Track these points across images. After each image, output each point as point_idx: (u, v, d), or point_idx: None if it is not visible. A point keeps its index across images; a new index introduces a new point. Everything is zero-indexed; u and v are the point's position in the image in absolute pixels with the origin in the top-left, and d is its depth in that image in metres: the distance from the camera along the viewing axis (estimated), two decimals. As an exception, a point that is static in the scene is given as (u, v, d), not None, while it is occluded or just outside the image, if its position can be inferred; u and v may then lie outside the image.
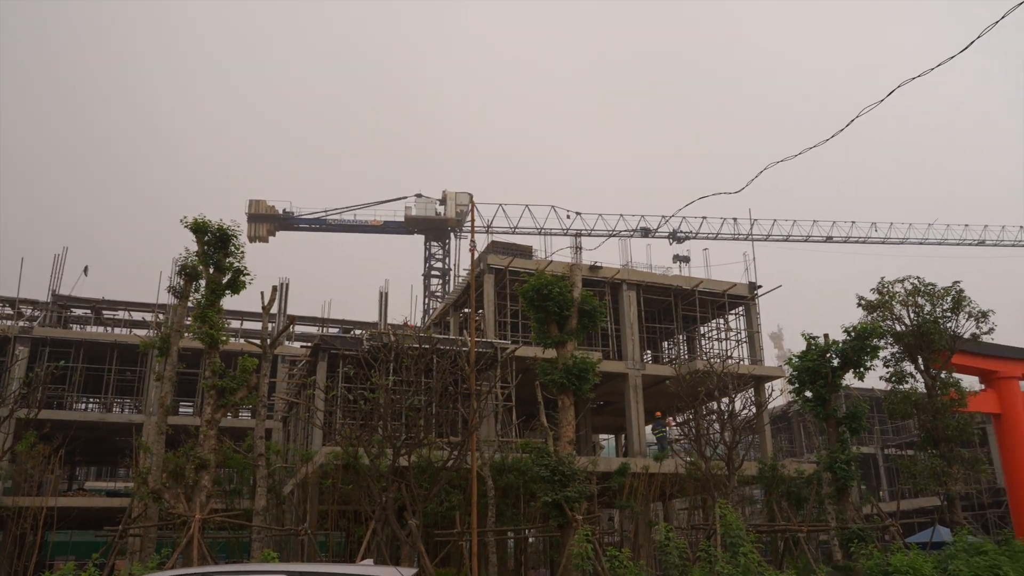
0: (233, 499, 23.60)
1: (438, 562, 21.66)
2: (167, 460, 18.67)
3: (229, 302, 20.59)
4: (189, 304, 20.90)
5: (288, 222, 63.92)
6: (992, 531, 34.93)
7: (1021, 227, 67.20)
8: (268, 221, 63.41)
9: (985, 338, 26.97)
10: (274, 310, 42.70)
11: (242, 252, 19.32)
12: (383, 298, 43.54)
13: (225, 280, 19.38)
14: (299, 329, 49.27)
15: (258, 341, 20.62)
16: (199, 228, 18.98)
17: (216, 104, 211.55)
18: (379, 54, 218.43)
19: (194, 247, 19.50)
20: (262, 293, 20.42)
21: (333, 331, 43.02)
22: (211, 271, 19.38)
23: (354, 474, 19.40)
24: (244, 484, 23.84)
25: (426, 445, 18.62)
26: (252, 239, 62.93)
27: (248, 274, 19.44)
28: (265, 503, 19.53)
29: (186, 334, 21.31)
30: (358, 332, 37.04)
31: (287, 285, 43.10)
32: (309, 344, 31.63)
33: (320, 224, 64.55)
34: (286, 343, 45.20)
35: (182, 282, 19.99)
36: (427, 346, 19.44)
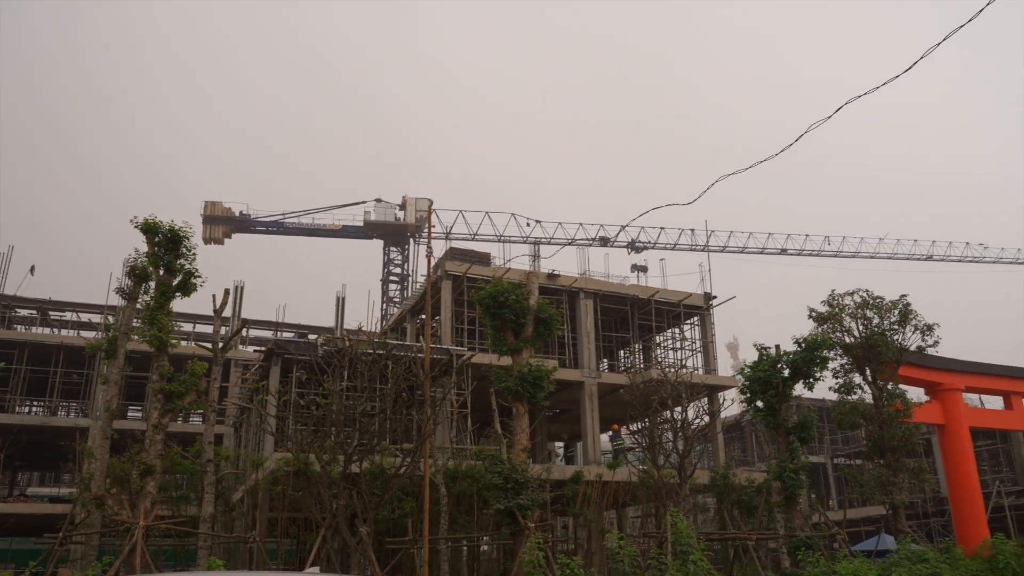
0: (180, 506, 23.09)
1: (389, 570, 21.47)
2: (112, 465, 18.22)
3: (181, 305, 20.21)
4: (138, 306, 20.45)
5: (245, 224, 63.02)
6: (935, 539, 35.81)
7: (967, 243, 69.28)
8: (224, 223, 62.43)
9: (930, 351, 27.69)
10: (227, 313, 42.00)
11: (194, 254, 18.97)
12: (340, 303, 43.17)
13: (176, 282, 19.00)
14: (254, 333, 48.55)
15: (209, 345, 20.26)
16: (149, 228, 18.60)
17: (176, 104, 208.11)
18: (342, 59, 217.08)
19: (144, 248, 19.10)
20: (214, 296, 20.09)
21: (288, 335, 42.47)
22: (161, 273, 18.99)
23: (305, 481, 19.16)
24: (192, 490, 23.35)
25: (379, 452, 18.45)
26: (207, 241, 61.93)
27: (199, 276, 19.10)
28: (213, 510, 19.17)
29: (134, 337, 20.83)
30: (313, 337, 36.60)
31: (242, 288, 42.50)
32: (263, 348, 31.18)
33: (278, 227, 63.75)
34: (240, 347, 44.50)
35: (131, 283, 19.55)
36: (382, 352, 19.29)
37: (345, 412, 17.13)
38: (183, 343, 43.23)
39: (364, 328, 21.58)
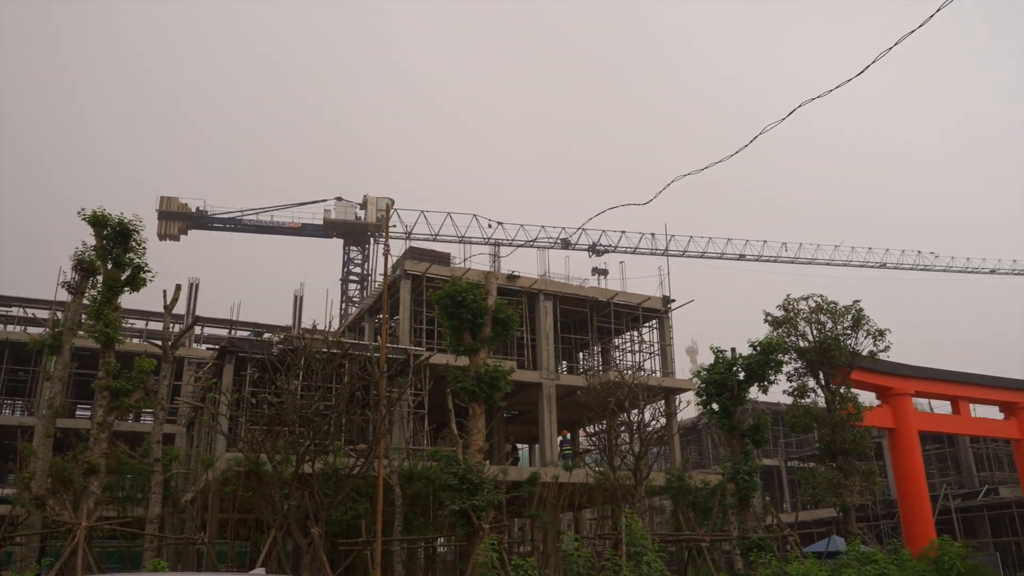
0: (126, 507, 22.54)
1: (342, 572, 21.19)
2: (54, 464, 17.69)
3: (133, 301, 19.80)
4: (85, 301, 19.90)
5: (201, 221, 61.95)
6: (884, 541, 36.46)
7: (919, 252, 70.96)
8: (180, 219, 61.32)
9: (882, 356, 28.19)
10: (181, 310, 41.25)
11: (144, 248, 18.51)
12: (298, 302, 42.54)
13: (124, 276, 18.51)
14: (208, 332, 47.67)
15: (160, 342, 19.79)
16: (98, 221, 18.10)
17: (132, 98, 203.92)
18: (304, 57, 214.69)
19: (93, 241, 18.58)
20: (164, 292, 19.65)
21: (243, 334, 41.74)
22: (109, 267, 18.48)
23: (257, 481, 18.80)
24: (139, 491, 22.80)
25: (332, 452, 18.19)
26: (163, 237, 60.80)
27: (149, 271, 18.63)
28: (160, 511, 18.74)
29: (80, 332, 20.26)
30: (269, 336, 36.04)
31: (197, 286, 41.63)
32: (217, 347, 30.62)
33: (235, 224, 62.78)
34: (194, 346, 43.67)
35: (78, 278, 19.00)
36: (337, 351, 19.03)
37: (298, 411, 16.84)
38: (134, 340, 42.28)
39: (319, 327, 21.25)
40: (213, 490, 22.68)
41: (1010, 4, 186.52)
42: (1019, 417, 36.11)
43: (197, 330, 46.07)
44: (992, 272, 74.22)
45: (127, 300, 18.71)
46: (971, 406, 36.22)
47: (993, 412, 37.71)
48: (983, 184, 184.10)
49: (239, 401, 21.74)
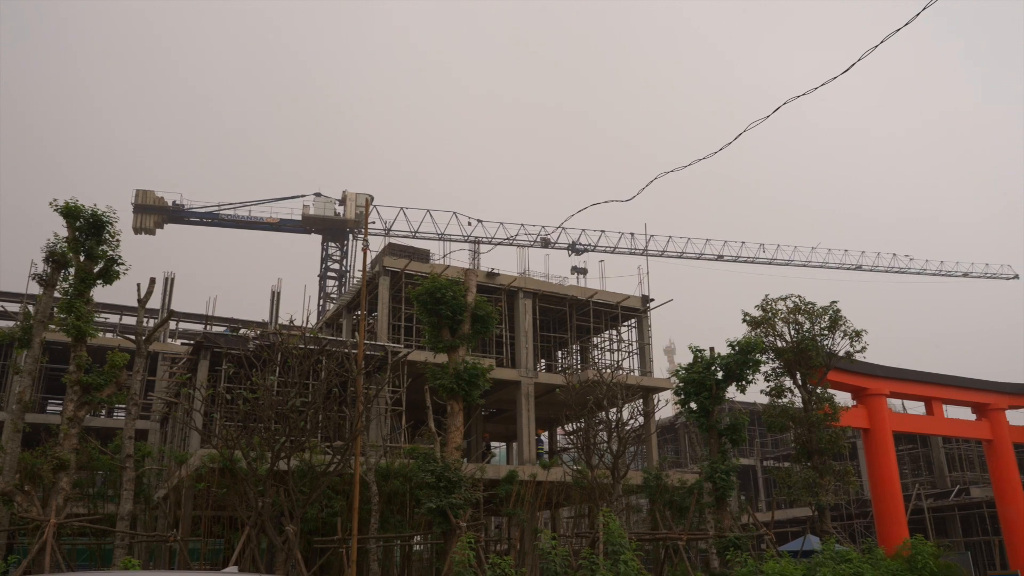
0: (97, 503, 22.15)
1: (317, 570, 20.99)
2: (23, 460, 17.32)
3: (107, 295, 19.53)
4: (57, 294, 19.51)
5: (178, 215, 61.29)
6: (858, 540, 36.78)
7: (894, 255, 71.69)
8: (156, 212, 60.61)
9: (858, 357, 28.35)
10: (156, 305, 40.78)
11: (117, 240, 18.18)
12: (275, 297, 42.23)
13: (97, 269, 18.17)
14: (184, 327, 47.17)
15: (134, 336, 19.45)
16: (70, 212, 17.74)
17: (107, 90, 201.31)
18: (286, 53, 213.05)
19: (65, 233, 18.21)
20: (139, 285, 19.31)
21: (219, 329, 41.32)
22: (82, 259, 18.13)
23: (231, 478, 18.56)
24: (111, 487, 22.42)
25: (308, 449, 17.98)
26: (138, 231, 60.10)
27: (123, 263, 18.30)
28: (132, 508, 18.42)
29: (52, 326, 19.86)
30: (245, 331, 35.67)
31: (172, 280, 41.20)
32: (192, 342, 30.23)
33: (212, 218, 62.15)
34: (168, 341, 43.14)
35: (49, 270, 18.61)
36: (314, 347, 18.82)
37: (274, 407, 16.62)
38: (107, 335, 41.66)
39: (296, 323, 21.00)
40: (186, 487, 22.39)
41: (988, 7, 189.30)
42: (991, 418, 36.53)
43: (172, 325, 45.58)
44: (965, 275, 75.19)
45: (100, 293, 18.43)
46: (944, 407, 36.59)
47: (965, 413, 38.14)
48: (960, 186, 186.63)
49: (214, 397, 21.44)
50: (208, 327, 40.16)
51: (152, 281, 19.62)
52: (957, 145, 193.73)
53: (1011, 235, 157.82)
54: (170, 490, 24.43)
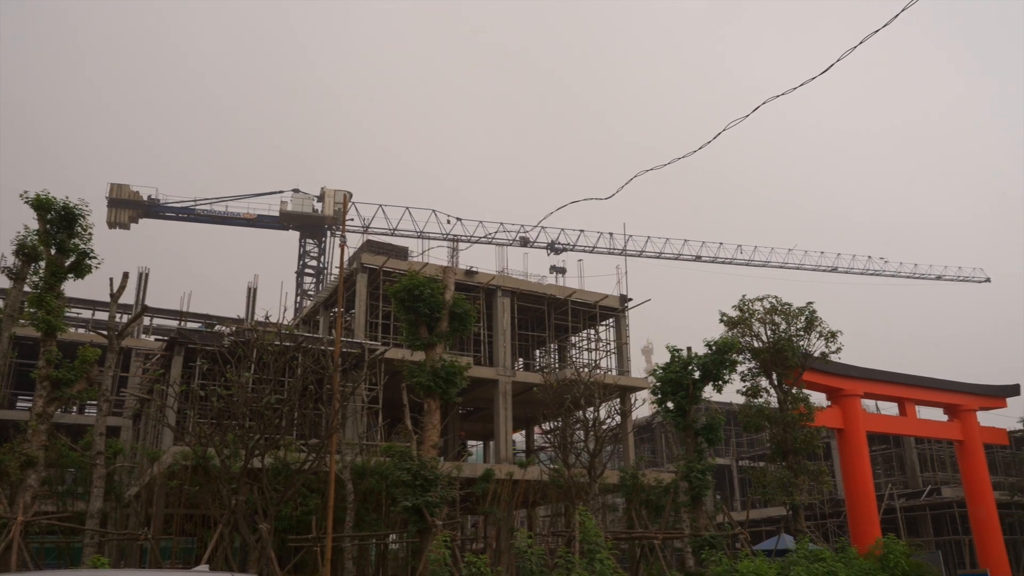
0: (66, 501, 21.80)
1: (291, 568, 20.81)
2: (-11, 457, 16.99)
3: (80, 290, 19.16)
4: (27, 288, 19.17)
5: (153, 209, 60.50)
6: (831, 539, 37.11)
7: (869, 257, 72.46)
8: (131, 207, 59.79)
9: (833, 357, 28.59)
10: (130, 300, 40.28)
11: (89, 234, 17.89)
12: (251, 294, 41.85)
13: (68, 263, 17.87)
14: (159, 323, 46.62)
15: (107, 332, 19.15)
16: (42, 205, 17.43)
17: (82, 84, 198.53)
18: (267, 47, 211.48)
19: (36, 225, 17.89)
20: (111, 280, 19.02)
21: (194, 325, 40.87)
22: (53, 252, 17.82)
23: (204, 476, 18.33)
24: (81, 485, 22.08)
25: (282, 446, 17.81)
26: (112, 225, 59.27)
27: (95, 257, 18.01)
28: (102, 505, 18.14)
29: (21, 321, 19.52)
30: (220, 327, 35.30)
31: (147, 275, 40.73)
32: (166, 338, 29.84)
33: (189, 214, 61.41)
34: (142, 336, 42.63)
35: (19, 263, 18.28)
36: (290, 344, 18.63)
37: (248, 404, 16.44)
38: (80, 330, 41.07)
39: (272, 319, 20.79)
40: (159, 485, 22.10)
41: (966, 9, 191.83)
42: (962, 419, 37.00)
43: (146, 321, 45.04)
44: (938, 278, 76.16)
45: (73, 288, 18.13)
46: (917, 408, 37.00)
47: (937, 414, 38.61)
48: (936, 188, 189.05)
49: (187, 393, 21.18)
50: (182, 323, 39.73)
51: (125, 276, 19.32)
52: (935, 147, 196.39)
53: (985, 238, 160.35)
54: (142, 488, 24.12)
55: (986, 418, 38.60)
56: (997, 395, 38.41)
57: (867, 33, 10.68)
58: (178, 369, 24.02)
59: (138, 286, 40.10)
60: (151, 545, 19.53)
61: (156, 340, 38.31)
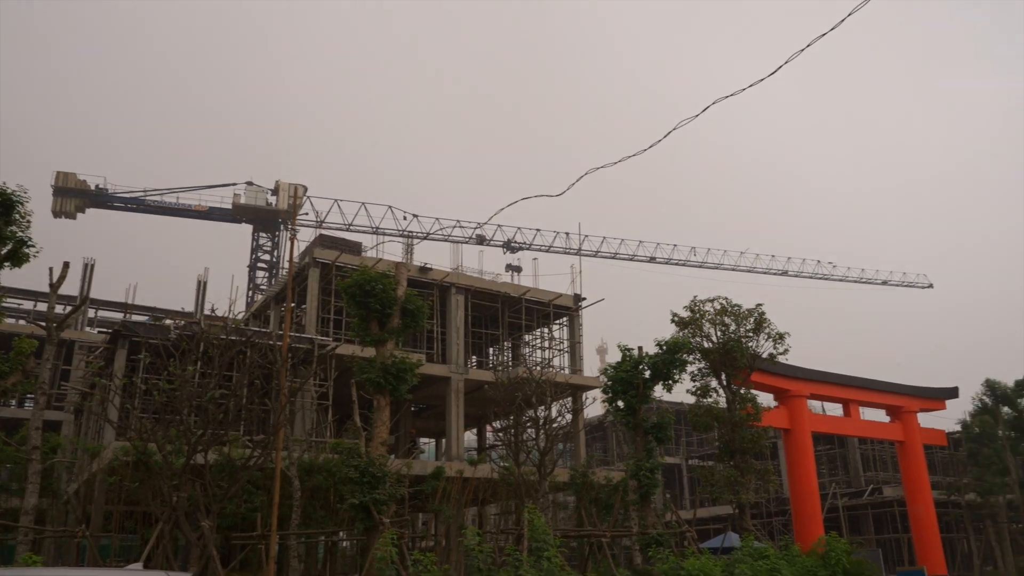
0: (0, 497, 21.12)
1: (236, 566, 20.46)
2: (-82, 451, 16.39)
3: (23, 280, 18.50)
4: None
5: (101, 199, 58.97)
6: (777, 537, 37.80)
7: (818, 261, 73.96)
8: (78, 196, 58.21)
9: (781, 359, 29.14)
10: (74, 292, 39.18)
11: (28, 221, 17.31)
12: (201, 287, 41.00)
13: (5, 251, 17.28)
14: (105, 315, 45.47)
15: (45, 323, 18.56)
16: (-24, 191, 16.81)
17: (33, 67, 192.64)
18: (221, 37, 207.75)
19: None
20: (51, 269, 18.45)
21: (141, 318, 39.94)
22: (-12, 240, 17.20)
23: (146, 472, 17.90)
24: (16, 481, 21.40)
25: (227, 442, 17.49)
26: (57, 214, 57.69)
27: (33, 246, 17.42)
28: (37, 502, 17.59)
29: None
30: (169, 322, 34.55)
31: (92, 266, 39.62)
32: (110, 331, 29.09)
33: (138, 204, 60.02)
34: (87, 329, 41.54)
35: (-48, 251, 17.60)
36: (236, 338, 18.28)
37: (190, 399, 16.10)
38: (20, 321, 39.85)
39: (218, 313, 20.38)
40: (99, 481, 21.55)
41: (922, 15, 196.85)
42: (903, 420, 38.02)
43: (91, 313, 43.89)
44: (884, 283, 78.08)
45: (14, 278, 17.51)
46: (861, 409, 37.90)
47: (880, 415, 39.60)
48: (884, 195, 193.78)
49: (130, 387, 20.66)
50: (127, 315, 38.73)
51: (66, 265, 18.74)
52: (883, 154, 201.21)
53: (930, 245, 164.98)
54: (82, 484, 23.49)
55: (926, 420, 39.76)
56: (937, 397, 39.57)
57: (817, 35, 10.86)
58: (121, 362, 23.44)
59: (83, 277, 39.02)
60: (89, 543, 19.01)
61: (99, 332, 37.33)
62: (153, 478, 17.04)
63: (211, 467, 17.21)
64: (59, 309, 37.95)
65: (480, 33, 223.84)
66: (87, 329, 41.18)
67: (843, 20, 10.02)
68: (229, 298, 37.98)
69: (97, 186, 58.66)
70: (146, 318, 40.31)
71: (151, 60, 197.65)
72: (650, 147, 12.85)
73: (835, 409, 39.23)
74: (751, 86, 11.50)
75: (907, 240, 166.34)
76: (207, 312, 27.74)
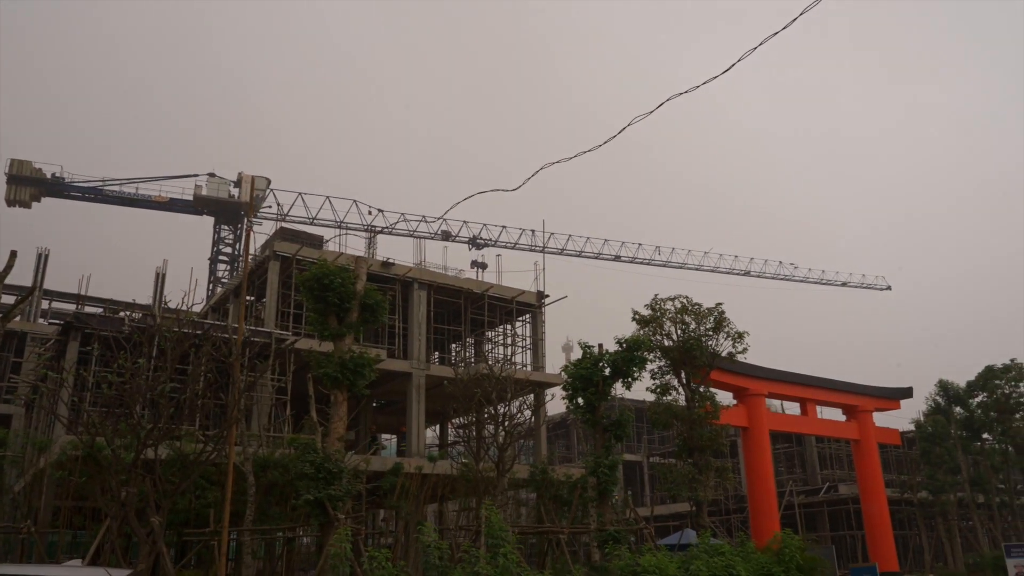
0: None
1: (187, 562, 20.14)
2: None
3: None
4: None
5: (57, 188, 57.72)
6: (734, 534, 38.25)
7: (780, 262, 75.05)
8: (33, 185, 56.93)
9: (740, 357, 29.45)
10: (28, 282, 38.26)
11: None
12: (159, 279, 40.29)
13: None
14: (60, 306, 44.48)
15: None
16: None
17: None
18: (183, 26, 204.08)
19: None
20: (-3, 258, 17.90)
21: (96, 310, 39.12)
22: (-68, 227, 16.70)
23: (95, 467, 17.51)
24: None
25: (179, 436, 17.17)
26: (11, 203, 56.42)
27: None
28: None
29: None
30: (124, 313, 33.87)
31: (46, 256, 38.83)
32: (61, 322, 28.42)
33: (96, 194, 58.83)
34: (40, 321, 40.59)
35: None
36: (191, 331, 17.96)
37: (141, 392, 15.78)
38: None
39: (172, 305, 20.00)
40: (47, 476, 21.05)
41: (877, 12, 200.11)
42: (859, 420, 38.70)
43: (44, 304, 42.91)
44: (844, 285, 79.50)
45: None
46: (818, 408, 38.50)
47: (837, 414, 40.26)
48: (846, 199, 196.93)
49: (82, 381, 20.20)
50: (80, 307, 37.92)
51: (12, 254, 18.19)
52: (845, 157, 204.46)
53: (888, 249, 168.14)
54: (30, 479, 22.94)
55: (881, 419, 40.50)
56: (892, 397, 40.34)
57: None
58: (73, 355, 22.92)
59: (36, 268, 38.19)
60: (36, 539, 18.56)
61: (51, 324, 36.50)
62: (102, 473, 16.67)
63: (162, 462, 16.89)
64: (9, 300, 37.12)
65: (455, 27, 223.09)
66: (40, 321, 40.25)
67: (794, 20, 10.14)
68: (183, 290, 37.26)
69: (53, 175, 57.43)
70: (100, 310, 39.50)
71: (111, 46, 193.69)
72: (605, 142, 12.91)
73: (793, 408, 39.80)
74: (708, 82, 11.63)
75: (868, 242, 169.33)
76: (163, 305, 27.28)
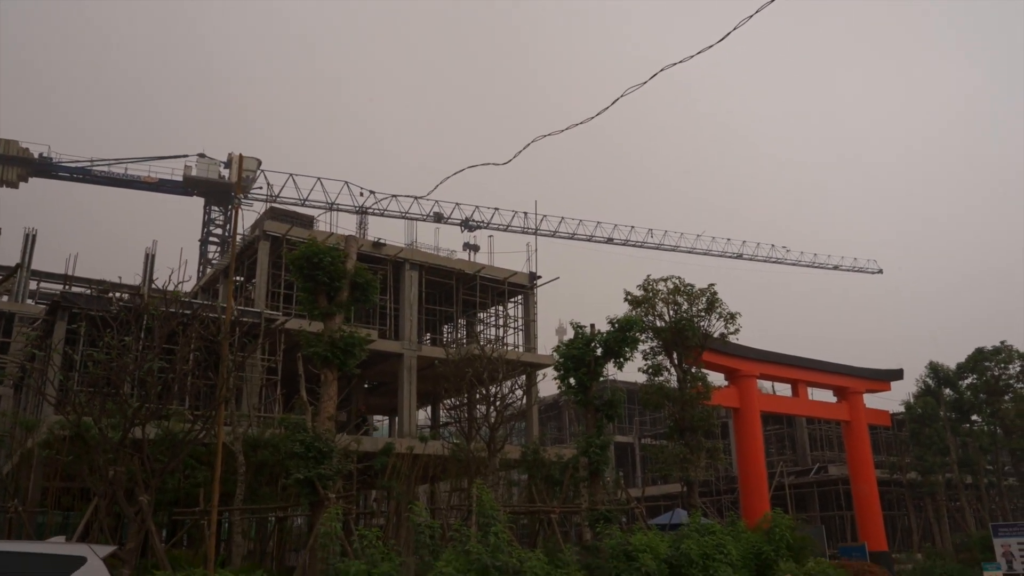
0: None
1: (178, 541, 20.09)
2: None
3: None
4: None
5: (45, 168, 57.22)
6: (724, 514, 38.46)
7: (772, 245, 75.12)
8: (20, 164, 56.41)
9: (732, 339, 29.43)
10: (15, 262, 37.97)
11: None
12: (149, 260, 40.01)
13: (-68, 216, 16.55)
14: (48, 287, 44.19)
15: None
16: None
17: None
18: (175, 6, 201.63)
19: None
20: (-18, 236, 17.69)
21: (84, 290, 38.88)
22: (-86, 204, 16.46)
23: (83, 446, 17.40)
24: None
25: (168, 415, 17.04)
26: (-1, 183, 55.88)
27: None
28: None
29: None
30: (114, 293, 33.64)
31: (34, 236, 38.53)
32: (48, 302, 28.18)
33: (85, 175, 58.38)
34: (28, 301, 40.34)
35: None
36: (178, 310, 17.76)
37: (127, 371, 15.62)
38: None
39: (161, 285, 19.79)
40: (35, 456, 20.95)
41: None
42: (850, 401, 38.83)
43: (32, 285, 42.62)
44: (835, 268, 79.69)
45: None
46: (809, 389, 38.60)
47: (828, 396, 40.40)
48: (841, 182, 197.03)
49: (69, 360, 20.04)
50: (68, 287, 37.65)
51: (-4, 232, 18.00)
52: (841, 138, 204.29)
53: (880, 231, 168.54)
54: (18, 460, 22.82)
55: (872, 400, 40.69)
56: (883, 379, 40.49)
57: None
58: (61, 334, 22.74)
59: (24, 248, 37.91)
60: (24, 519, 18.46)
61: (39, 304, 36.24)
62: (90, 452, 16.55)
63: (151, 442, 16.77)
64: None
65: (445, 8, 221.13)
66: (28, 301, 40.00)
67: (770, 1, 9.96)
68: (180, 272, 36.96)
69: (41, 155, 56.93)
70: (88, 290, 39.28)
71: (100, 27, 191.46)
72: (598, 114, 12.75)
73: (785, 389, 39.90)
74: (699, 53, 11.46)
75: (861, 224, 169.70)
76: (152, 285, 27.04)
